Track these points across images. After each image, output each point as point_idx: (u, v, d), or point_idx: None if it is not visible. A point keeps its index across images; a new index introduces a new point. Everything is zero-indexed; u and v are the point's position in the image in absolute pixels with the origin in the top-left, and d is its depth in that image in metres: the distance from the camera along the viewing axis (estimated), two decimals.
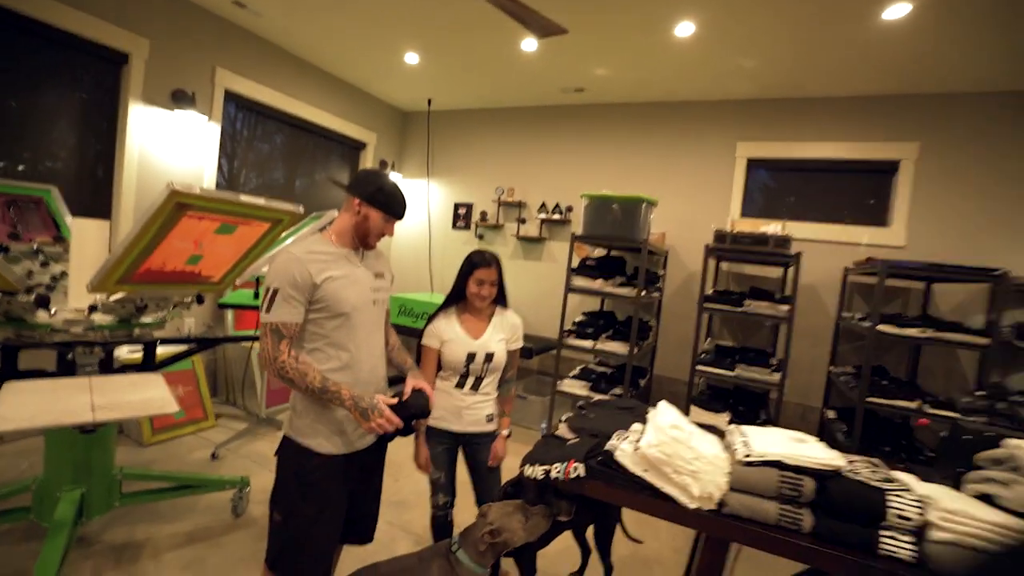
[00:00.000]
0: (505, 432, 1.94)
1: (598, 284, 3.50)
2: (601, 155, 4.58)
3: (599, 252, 4.22)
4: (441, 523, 1.91)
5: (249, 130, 4.18)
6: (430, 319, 1.87)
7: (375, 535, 1.67)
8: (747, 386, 3.59)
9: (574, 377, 3.76)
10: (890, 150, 3.63)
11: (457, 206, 5.32)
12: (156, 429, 3.06)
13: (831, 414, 3.41)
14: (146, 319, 1.99)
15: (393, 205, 1.45)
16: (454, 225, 5.34)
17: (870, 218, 3.77)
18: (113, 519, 2.23)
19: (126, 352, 2.76)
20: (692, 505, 1.24)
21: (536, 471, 1.42)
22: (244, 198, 1.60)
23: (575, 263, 3.73)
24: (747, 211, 4.05)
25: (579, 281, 3.56)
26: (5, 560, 1.93)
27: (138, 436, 3.01)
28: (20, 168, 2.93)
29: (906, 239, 3.58)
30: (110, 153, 3.29)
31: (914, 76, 3.32)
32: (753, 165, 4.08)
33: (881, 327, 2.76)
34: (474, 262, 1.79)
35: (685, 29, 3.04)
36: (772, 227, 3.13)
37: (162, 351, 2.24)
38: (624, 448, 1.38)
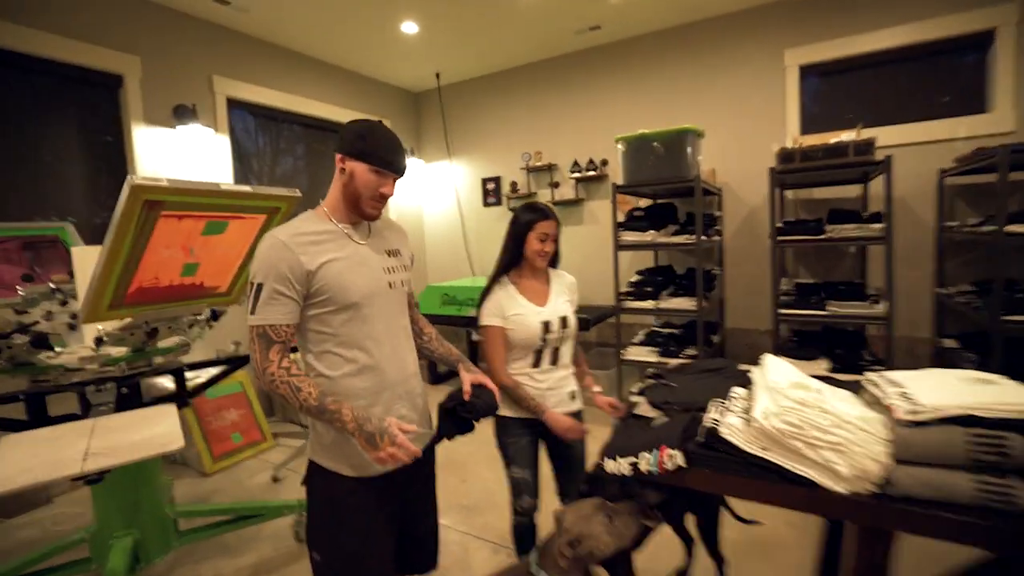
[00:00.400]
0: (597, 388, 1.68)
1: (650, 236, 3.12)
2: (631, 97, 4.14)
3: (645, 203, 3.82)
4: (525, 530, 1.67)
5: (262, 136, 4.02)
6: (483, 295, 1.62)
7: (442, 555, 1.43)
8: (840, 325, 3.14)
9: (639, 343, 3.43)
10: (978, 19, 3.02)
11: (485, 181, 5.02)
12: (216, 457, 2.99)
13: (950, 343, 2.91)
14: (164, 344, 1.83)
15: (380, 151, 1.14)
16: (485, 202, 5.05)
17: (962, 107, 3.17)
18: (177, 559, 2.12)
19: (166, 383, 2.66)
20: (842, 489, 0.91)
21: (621, 466, 1.13)
22: (224, 186, 1.37)
23: (620, 217, 3.35)
24: (808, 128, 3.52)
25: (628, 236, 3.19)
26: None
27: (199, 465, 2.94)
28: (33, 206, 2.87)
29: (1016, 122, 2.98)
30: (120, 179, 3.19)
31: None
32: (806, 73, 3.53)
33: (1010, 228, 2.25)
34: (533, 216, 1.55)
35: None
36: (845, 135, 2.64)
37: (193, 376, 2.10)
38: (731, 422, 1.06)
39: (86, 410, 1.64)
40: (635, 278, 3.48)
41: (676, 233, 3.22)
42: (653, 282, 3.32)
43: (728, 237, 3.83)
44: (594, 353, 4.30)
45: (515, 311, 1.57)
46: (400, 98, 5.17)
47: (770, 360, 1.17)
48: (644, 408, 1.43)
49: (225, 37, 3.60)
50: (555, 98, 4.50)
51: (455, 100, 5.07)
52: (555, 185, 4.55)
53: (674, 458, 1.06)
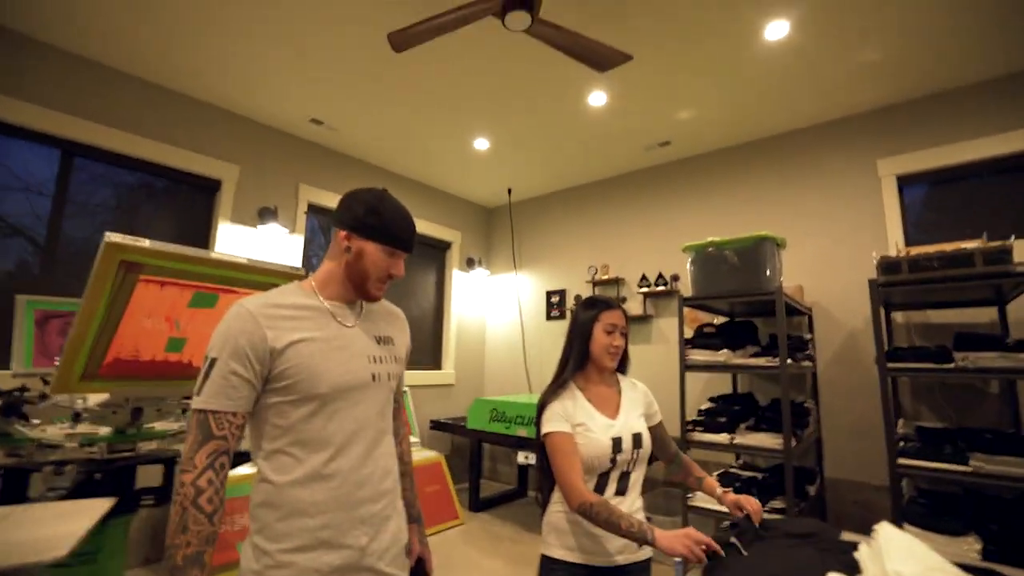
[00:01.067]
0: (722, 490, 1.33)
1: (723, 355, 2.68)
2: (704, 212, 3.94)
3: (720, 320, 3.41)
4: None
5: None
6: (543, 402, 1.35)
7: None
8: (988, 488, 2.37)
9: None
10: None
11: (549, 295, 4.88)
12: (214, 568, 2.68)
13: None
14: (157, 428, 1.68)
15: (394, 229, 1.02)
16: (548, 315, 4.86)
17: None
18: None
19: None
20: None
21: None
22: (214, 255, 1.27)
23: (689, 333, 2.97)
24: (916, 242, 3.06)
25: (697, 355, 2.78)
26: None
27: None
28: None
29: None
30: None
31: None
32: (906, 182, 3.16)
33: None
34: (597, 308, 1.39)
35: (777, 30, 2.50)
36: (967, 244, 2.18)
37: None
38: None
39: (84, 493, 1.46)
40: (706, 405, 2.97)
41: (756, 355, 2.76)
42: (728, 412, 2.79)
43: (823, 365, 3.25)
44: (660, 494, 3.63)
45: (580, 420, 1.29)
46: (472, 211, 5.39)
47: (889, 532, 0.75)
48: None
49: (315, 152, 4.01)
50: (625, 213, 4.43)
51: (525, 214, 5.18)
52: (622, 300, 4.28)
53: None
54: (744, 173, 3.77)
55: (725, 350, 2.69)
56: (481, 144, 3.94)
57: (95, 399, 1.45)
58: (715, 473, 3.00)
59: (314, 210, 4.02)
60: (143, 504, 1.78)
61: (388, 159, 4.31)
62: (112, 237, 1.10)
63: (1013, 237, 2.15)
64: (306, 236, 3.89)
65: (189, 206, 3.41)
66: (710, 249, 2.76)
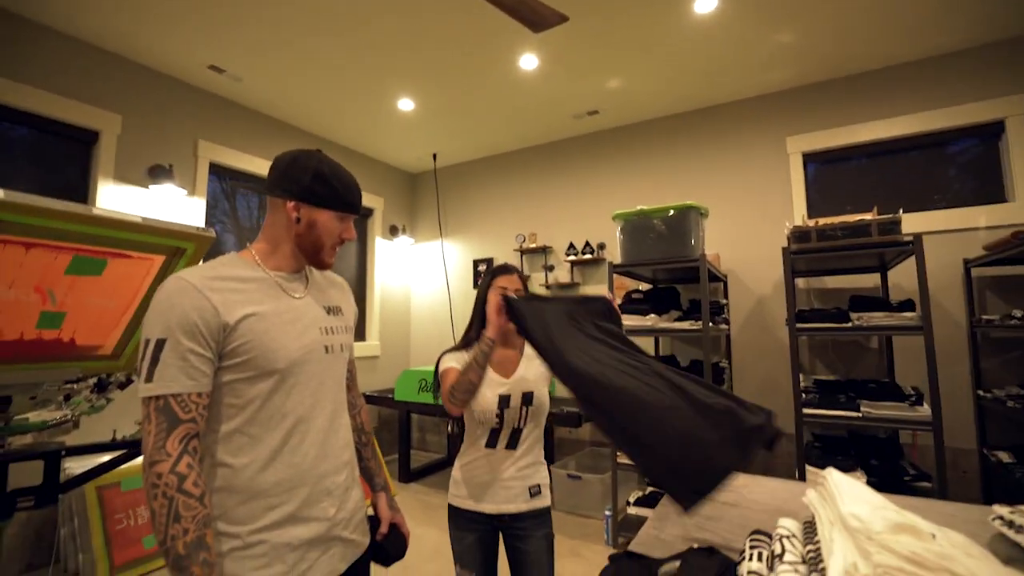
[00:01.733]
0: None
1: (651, 320, 2.80)
2: (630, 181, 4.03)
3: (645, 288, 3.54)
4: None
5: (246, 204, 3.85)
6: (440, 356, 1.46)
7: None
8: (870, 431, 2.72)
9: None
10: (985, 110, 2.93)
11: (476, 263, 4.82)
12: (118, 566, 2.42)
13: (1005, 457, 2.46)
14: (36, 419, 1.43)
15: (346, 196, 0.98)
16: (475, 284, 4.80)
17: (978, 196, 2.99)
18: None
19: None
20: None
21: None
22: (96, 210, 1.06)
23: (618, 300, 3.05)
24: (815, 215, 3.34)
25: (626, 320, 2.86)
26: None
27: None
28: None
29: None
30: None
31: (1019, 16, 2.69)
32: (810, 160, 3.42)
33: None
34: (492, 273, 1.46)
35: (706, 3, 2.54)
36: (865, 217, 2.41)
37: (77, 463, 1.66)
38: None
39: None
40: None
41: (679, 319, 2.91)
42: None
43: (736, 328, 3.50)
44: (587, 454, 3.79)
45: None
46: (396, 177, 5.13)
47: (837, 477, 0.79)
48: (648, 542, 1.01)
49: (216, 104, 3.56)
50: (553, 181, 4.42)
51: (451, 181, 5.02)
52: (550, 268, 4.32)
53: None
54: (669, 144, 3.88)
55: (652, 315, 2.80)
56: (405, 105, 3.71)
57: None
58: None
59: (217, 171, 3.60)
60: (20, 507, 1.53)
61: (301, 116, 3.94)
62: None
63: (901, 210, 2.40)
64: (208, 200, 3.48)
65: (59, 162, 2.90)
66: (638, 218, 2.82)
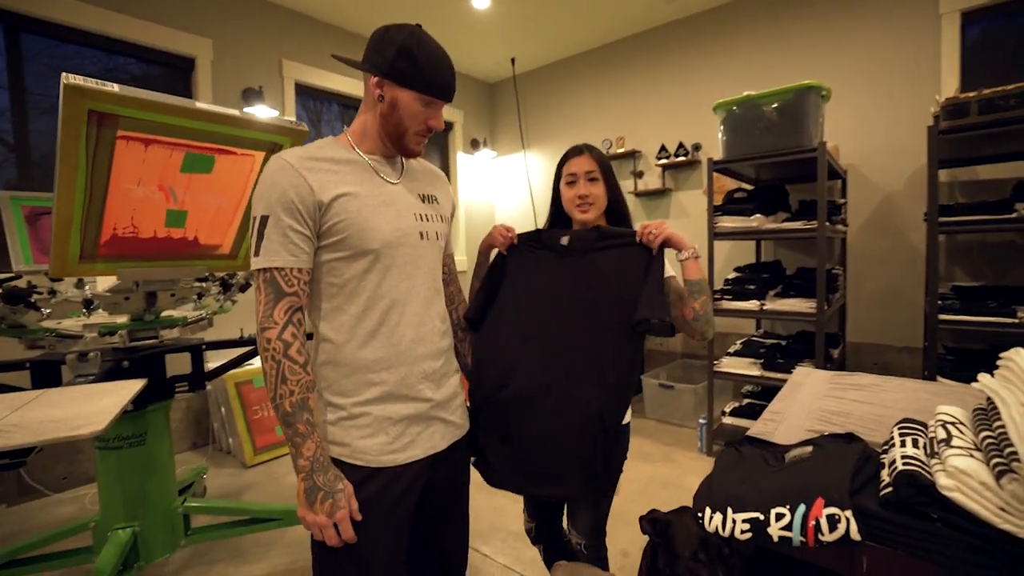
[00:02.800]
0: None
1: (756, 221, 2.54)
2: (731, 70, 3.56)
3: (748, 188, 3.22)
4: None
5: (328, 124, 3.93)
6: None
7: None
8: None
9: (735, 354, 2.83)
10: None
11: None
12: (258, 449, 2.81)
13: None
14: (177, 315, 1.61)
15: (431, 75, 0.89)
16: None
17: None
18: (188, 558, 1.91)
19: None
20: None
21: (731, 523, 0.66)
22: (200, 105, 1.09)
23: (716, 201, 2.80)
24: (970, 90, 2.76)
25: (727, 222, 2.63)
26: None
27: (241, 456, 2.79)
28: None
29: None
30: None
31: None
32: (971, 20, 2.77)
33: None
34: (563, 157, 1.23)
35: None
36: None
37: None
38: (959, 467, 0.57)
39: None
40: (732, 275, 2.89)
41: (787, 221, 2.61)
42: (757, 280, 2.72)
43: (854, 231, 3.12)
44: (679, 365, 3.72)
45: None
46: (474, 88, 4.94)
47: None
48: (763, 428, 0.94)
49: (297, 22, 3.54)
50: (642, 77, 4.02)
51: (530, 88, 4.75)
52: (639, 174, 4.05)
53: (840, 523, 0.59)
54: (777, 19, 3.32)
55: (758, 215, 2.54)
56: (480, 2, 3.45)
57: (104, 285, 1.36)
58: (739, 341, 3.02)
59: (302, 91, 3.65)
60: (178, 391, 1.78)
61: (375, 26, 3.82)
62: (71, 79, 0.92)
63: None
64: (304, 120, 3.57)
65: (167, 91, 3.08)
66: (744, 106, 2.49)
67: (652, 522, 0.73)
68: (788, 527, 0.61)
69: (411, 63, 0.86)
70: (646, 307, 1.02)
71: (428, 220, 0.98)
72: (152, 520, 1.69)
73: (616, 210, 1.24)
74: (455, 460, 1.01)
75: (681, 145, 3.75)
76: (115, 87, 0.98)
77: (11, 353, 1.65)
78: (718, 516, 0.67)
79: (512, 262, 1.18)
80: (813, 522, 0.59)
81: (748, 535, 0.64)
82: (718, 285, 2.82)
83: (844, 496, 0.60)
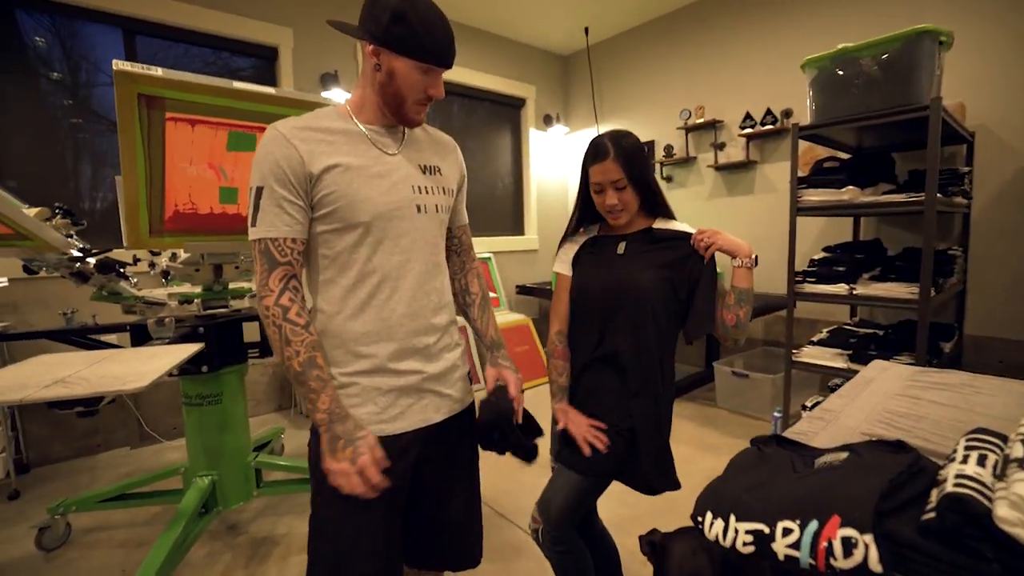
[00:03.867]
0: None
1: (848, 193, 2.23)
2: (827, 20, 3.13)
3: (844, 156, 2.84)
4: None
5: None
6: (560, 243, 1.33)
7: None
8: None
9: (819, 343, 2.55)
10: None
11: None
12: None
13: None
14: (242, 285, 1.74)
15: (427, 41, 0.84)
16: None
17: None
18: (260, 508, 2.10)
19: None
20: None
21: (731, 533, 0.58)
22: (237, 85, 1.14)
23: (803, 171, 2.50)
24: None
25: (813, 195, 2.34)
26: (147, 542, 1.90)
27: None
28: None
29: None
30: None
31: None
32: None
33: None
34: (584, 159, 1.18)
35: None
36: None
37: None
38: None
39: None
40: (820, 255, 2.59)
41: (890, 193, 2.27)
42: (848, 260, 2.41)
43: (980, 206, 2.65)
44: (758, 353, 3.45)
45: None
46: (547, 62, 4.81)
47: None
48: (805, 426, 0.82)
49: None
50: (724, 40, 3.67)
51: (604, 59, 4.53)
52: (720, 146, 3.74)
53: (857, 547, 0.49)
54: None
55: (850, 187, 2.23)
56: None
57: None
58: (825, 330, 2.72)
59: None
60: (250, 356, 1.94)
61: (450, 5, 3.83)
62: (121, 65, 1.00)
63: None
64: None
65: (258, 83, 3.31)
66: (838, 61, 2.17)
67: (650, 544, 0.66)
68: (796, 545, 0.52)
69: (407, 28, 0.82)
70: (697, 320, 1.11)
71: (428, 192, 0.95)
72: (229, 471, 1.88)
73: (650, 199, 1.19)
74: (453, 434, 1.00)
75: (769, 112, 3.40)
76: (159, 70, 1.06)
77: (114, 317, 1.90)
78: (719, 523, 0.59)
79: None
80: (825, 543, 0.50)
81: (751, 548, 0.55)
82: (801, 265, 2.53)
83: (867, 516, 0.49)
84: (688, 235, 1.13)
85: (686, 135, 3.94)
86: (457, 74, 4.09)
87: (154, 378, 0.99)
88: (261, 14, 3.19)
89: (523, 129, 4.75)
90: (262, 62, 3.32)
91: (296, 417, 3.20)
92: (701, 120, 3.77)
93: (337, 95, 3.39)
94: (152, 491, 2.01)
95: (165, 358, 1.14)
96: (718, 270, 1.14)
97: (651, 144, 4.27)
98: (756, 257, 1.10)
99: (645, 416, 1.10)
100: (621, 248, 1.18)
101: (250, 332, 1.99)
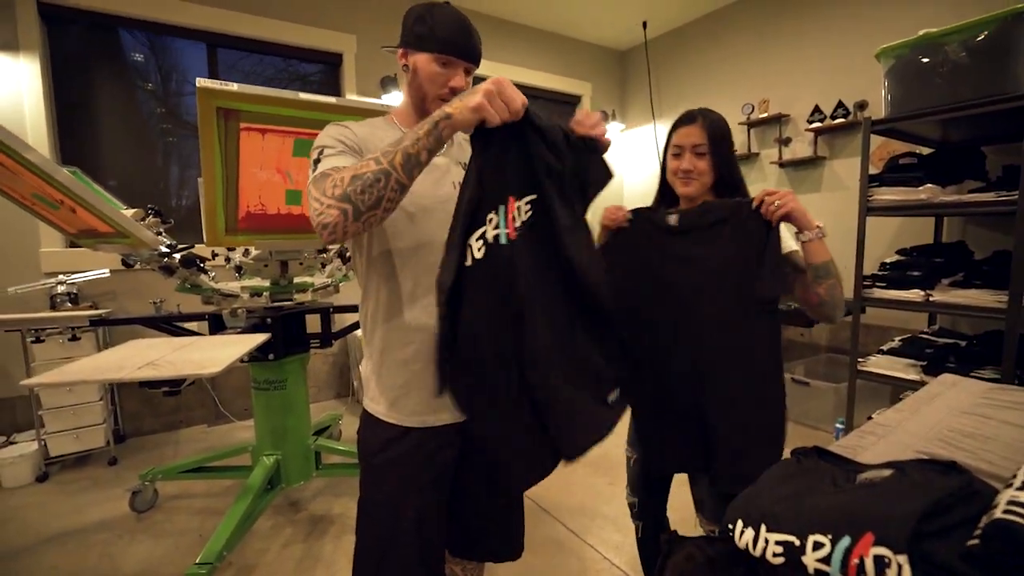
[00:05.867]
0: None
1: (925, 193, 2.07)
2: (897, 15, 2.89)
3: (926, 151, 2.63)
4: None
5: None
6: None
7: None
8: None
9: (890, 352, 2.38)
10: None
11: None
12: None
13: None
14: (307, 281, 1.87)
15: (443, 33, 0.90)
16: None
17: None
18: (320, 488, 2.24)
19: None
20: None
21: (763, 543, 0.58)
22: (301, 96, 1.23)
23: (875, 168, 2.34)
24: None
25: (886, 194, 2.19)
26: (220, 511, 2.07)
27: None
28: None
29: None
30: None
31: None
32: None
33: None
34: (674, 124, 1.16)
35: None
36: None
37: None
38: None
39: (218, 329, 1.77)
40: (893, 258, 2.42)
41: (979, 191, 2.08)
42: (924, 264, 2.24)
43: None
44: (822, 361, 3.27)
45: None
46: (603, 58, 4.75)
47: None
48: (854, 441, 0.79)
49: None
50: (790, 29, 3.49)
51: (663, 53, 4.42)
52: (785, 141, 3.56)
53: (890, 568, 0.48)
54: None
55: (929, 185, 2.07)
56: None
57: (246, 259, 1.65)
58: (898, 338, 2.53)
59: None
60: (311, 346, 2.08)
61: (505, 6, 3.87)
62: (203, 83, 1.12)
63: None
64: None
65: (324, 87, 3.51)
66: (918, 49, 2.01)
67: (666, 543, 0.66)
68: (827, 560, 0.51)
69: (425, 27, 0.89)
70: (765, 282, 1.00)
71: None
72: (291, 452, 2.03)
73: (728, 183, 1.14)
74: None
75: (840, 104, 3.19)
76: (234, 86, 1.17)
77: (194, 307, 2.10)
78: (749, 532, 0.58)
79: (622, 242, 1.14)
80: (856, 560, 0.49)
81: (780, 559, 0.55)
82: (870, 269, 2.38)
83: (903, 536, 0.47)
84: (747, 201, 1.04)
85: (748, 130, 3.78)
86: (512, 73, 4.13)
87: (227, 364, 1.10)
88: (328, 23, 3.36)
89: None
90: (328, 67, 3.50)
91: (354, 404, 3.37)
92: (765, 114, 3.60)
93: (395, 97, 3.52)
94: (225, 466, 2.20)
95: (237, 346, 1.27)
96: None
97: None
98: (822, 227, 1.01)
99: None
100: (674, 219, 1.11)
101: (312, 323, 2.13)
